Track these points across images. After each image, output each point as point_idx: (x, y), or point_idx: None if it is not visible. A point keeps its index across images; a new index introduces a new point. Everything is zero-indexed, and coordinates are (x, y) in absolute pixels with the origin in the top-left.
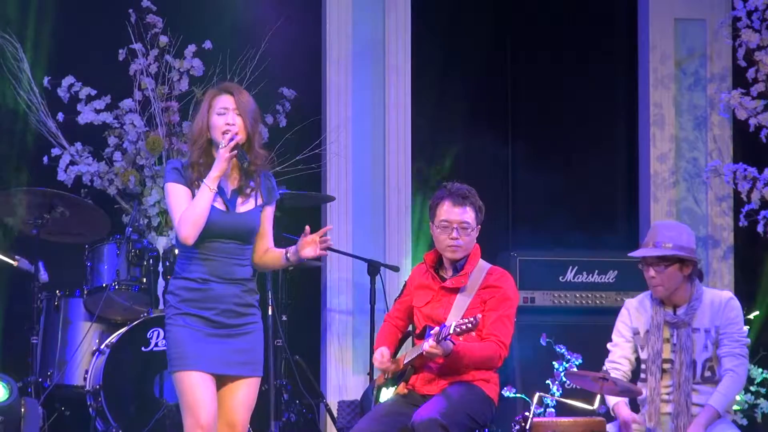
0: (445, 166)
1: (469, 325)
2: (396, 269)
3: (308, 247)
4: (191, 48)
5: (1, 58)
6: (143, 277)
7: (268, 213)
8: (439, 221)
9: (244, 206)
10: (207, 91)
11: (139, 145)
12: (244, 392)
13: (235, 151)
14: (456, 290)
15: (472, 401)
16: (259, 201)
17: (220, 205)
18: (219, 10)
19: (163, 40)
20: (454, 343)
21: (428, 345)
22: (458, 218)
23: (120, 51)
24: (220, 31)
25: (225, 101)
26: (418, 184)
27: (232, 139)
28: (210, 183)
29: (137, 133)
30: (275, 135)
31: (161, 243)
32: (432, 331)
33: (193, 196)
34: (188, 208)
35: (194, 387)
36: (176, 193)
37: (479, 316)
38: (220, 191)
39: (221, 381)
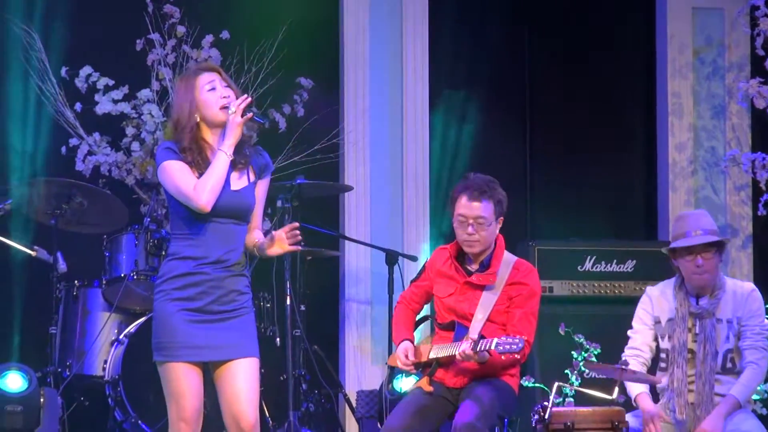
0: (462, 154)
1: (514, 347)
2: (414, 259)
3: (276, 245)
4: (209, 38)
5: (19, 49)
6: None
7: (261, 189)
8: (457, 215)
9: (238, 183)
10: (182, 77)
11: (157, 135)
12: (242, 377)
13: (250, 114)
14: (482, 287)
15: (502, 399)
16: (252, 177)
17: None
18: (236, 0)
19: (181, 30)
20: (490, 354)
21: (465, 351)
22: (474, 213)
23: (137, 41)
24: (237, 21)
25: (209, 77)
26: (436, 172)
27: (248, 112)
28: (226, 149)
29: (155, 123)
30: (293, 125)
31: None
32: (471, 336)
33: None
34: (204, 176)
35: (180, 378)
36: (178, 167)
37: (525, 338)
38: None
39: (215, 368)
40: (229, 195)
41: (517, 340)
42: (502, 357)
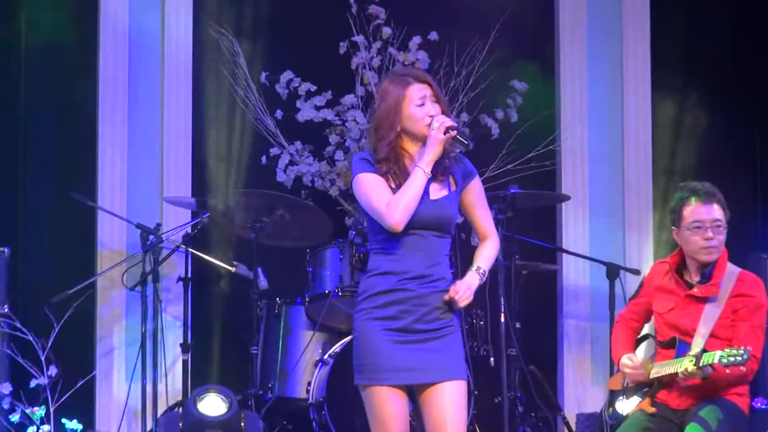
0: (688, 160)
1: (738, 359)
2: (636, 272)
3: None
4: (416, 40)
5: (217, 54)
6: None
7: (473, 195)
8: (690, 223)
9: (438, 192)
10: (390, 81)
11: (362, 143)
12: (448, 401)
13: (453, 132)
14: (704, 299)
15: (731, 422)
16: (453, 187)
17: None
18: None
19: (387, 31)
20: (714, 369)
21: (687, 369)
22: (711, 216)
23: (341, 44)
24: (446, 21)
25: (422, 90)
26: (660, 181)
27: (451, 130)
28: (424, 166)
29: (360, 130)
30: (506, 130)
31: None
32: (691, 353)
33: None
34: (398, 193)
35: (384, 403)
36: (373, 181)
37: (749, 348)
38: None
39: (420, 391)
40: (429, 205)
41: (742, 351)
42: (727, 371)
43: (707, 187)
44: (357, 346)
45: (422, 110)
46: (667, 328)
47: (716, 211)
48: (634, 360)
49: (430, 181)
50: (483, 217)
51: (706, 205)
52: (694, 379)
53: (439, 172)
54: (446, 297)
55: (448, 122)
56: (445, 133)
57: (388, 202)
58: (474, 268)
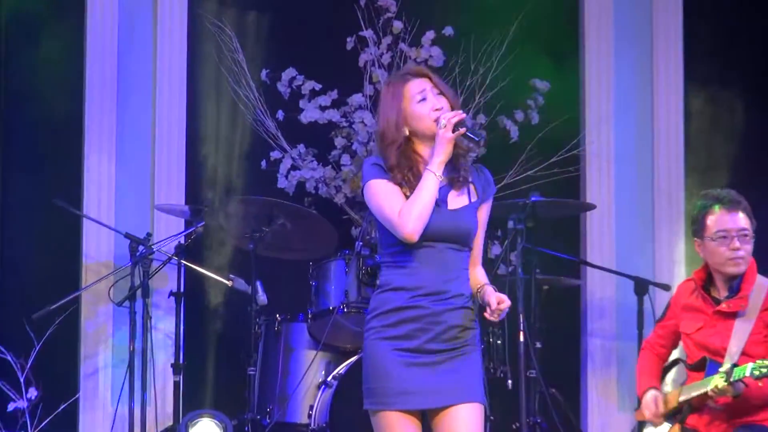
0: (723, 166)
1: None
2: (667, 288)
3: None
4: (429, 35)
5: (215, 50)
6: None
7: (483, 213)
8: (714, 233)
9: (457, 201)
10: (387, 83)
11: (371, 147)
12: (462, 426)
13: (462, 129)
14: (733, 315)
15: None
16: (473, 197)
17: None
18: None
19: (397, 26)
20: (746, 385)
21: (717, 385)
22: (738, 225)
23: (348, 39)
24: (462, 15)
25: (420, 84)
26: (692, 188)
27: (460, 126)
28: (435, 169)
29: (368, 132)
30: (526, 133)
31: None
32: (721, 369)
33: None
34: (410, 201)
35: (395, 428)
36: (386, 188)
37: None
38: None
39: (433, 416)
40: (446, 216)
41: None
42: (759, 383)
43: (732, 194)
44: (366, 368)
45: (425, 106)
46: (696, 349)
47: (742, 220)
48: (658, 402)
49: (449, 189)
50: (481, 240)
51: (731, 213)
52: (726, 397)
53: (456, 178)
54: (491, 316)
55: (455, 118)
56: (453, 131)
57: (400, 210)
58: (486, 284)
